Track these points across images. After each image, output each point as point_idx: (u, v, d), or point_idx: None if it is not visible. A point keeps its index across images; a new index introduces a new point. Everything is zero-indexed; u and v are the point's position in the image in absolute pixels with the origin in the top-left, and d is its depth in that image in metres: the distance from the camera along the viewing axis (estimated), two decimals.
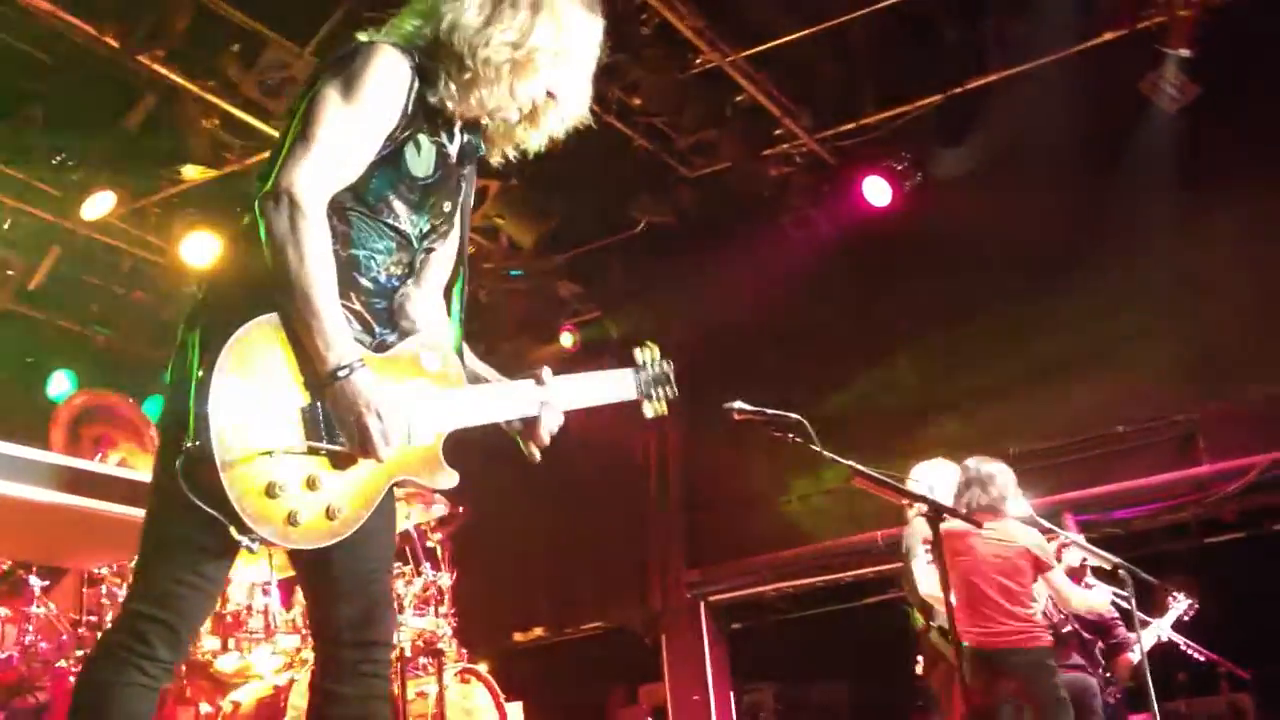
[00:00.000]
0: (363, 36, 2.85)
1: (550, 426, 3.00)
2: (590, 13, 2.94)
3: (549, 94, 2.91)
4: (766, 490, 9.64)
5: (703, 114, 8.04)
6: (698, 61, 7.63)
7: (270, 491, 2.53)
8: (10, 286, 7.43)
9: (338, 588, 2.81)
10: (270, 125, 7.24)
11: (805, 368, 9.22)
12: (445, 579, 6.68)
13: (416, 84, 2.80)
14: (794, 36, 7.56)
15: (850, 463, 4.16)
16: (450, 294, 3.08)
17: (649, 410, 3.22)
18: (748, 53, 7.65)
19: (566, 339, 9.73)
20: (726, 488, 9.94)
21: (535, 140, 3.01)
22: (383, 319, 2.83)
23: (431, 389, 2.83)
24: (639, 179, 8.54)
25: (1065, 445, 8.48)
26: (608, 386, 3.16)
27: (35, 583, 5.80)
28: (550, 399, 3.00)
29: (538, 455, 3.01)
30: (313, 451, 2.60)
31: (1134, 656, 6.73)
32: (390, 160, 2.78)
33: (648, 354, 3.25)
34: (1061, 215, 8.26)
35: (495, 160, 3.07)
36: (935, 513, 4.29)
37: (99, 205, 7.30)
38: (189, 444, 2.49)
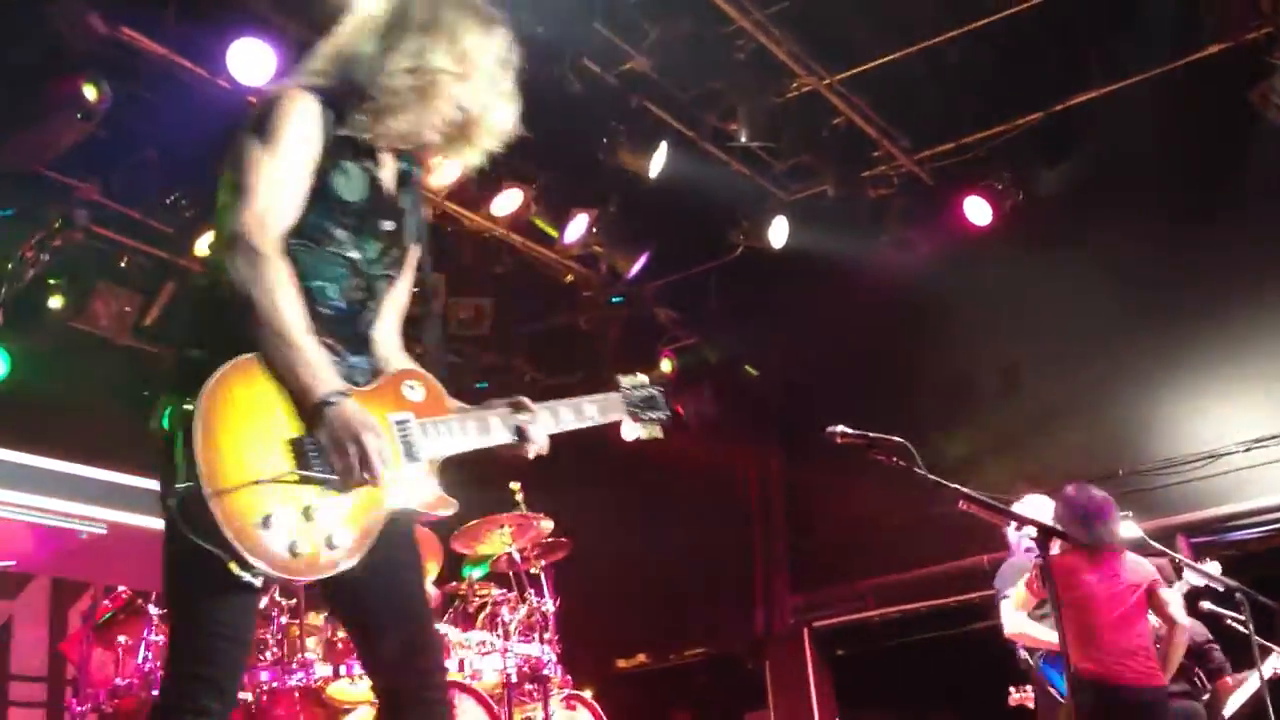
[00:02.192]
0: (302, 80, 2.92)
1: (532, 452, 3.04)
2: (486, 26, 2.99)
3: (467, 110, 2.97)
4: (870, 514, 9.53)
5: (799, 138, 8.04)
6: (794, 86, 7.63)
7: (265, 523, 2.57)
8: (127, 322, 7.66)
9: (379, 622, 2.87)
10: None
11: (905, 391, 9.12)
12: (549, 605, 6.72)
13: (330, 117, 2.85)
14: (891, 58, 7.53)
15: (956, 486, 4.11)
16: (426, 321, 3.17)
17: (641, 433, 3.30)
18: (844, 75, 7.64)
19: (665, 365, 9.75)
20: (829, 512, 9.85)
21: (475, 158, 3.06)
22: (350, 344, 2.88)
23: (417, 419, 2.88)
24: (736, 204, 8.53)
25: (1177, 465, 8.27)
26: (592, 411, 3.21)
27: (154, 611, 5.97)
28: (531, 426, 3.03)
29: (530, 457, 3.06)
30: (304, 481, 2.64)
31: (1236, 681, 6.52)
32: (320, 191, 2.84)
33: (633, 379, 3.33)
34: (1165, 231, 8.09)
35: (435, 182, 3.14)
36: (1045, 536, 4.21)
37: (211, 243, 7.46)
38: (179, 485, 2.54)
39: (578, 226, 8.19)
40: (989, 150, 8.32)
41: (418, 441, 2.86)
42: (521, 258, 8.83)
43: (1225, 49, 7.28)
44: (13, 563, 3.73)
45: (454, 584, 6.96)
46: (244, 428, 2.61)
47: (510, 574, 6.91)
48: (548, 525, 6.88)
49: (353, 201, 2.90)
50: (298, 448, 2.65)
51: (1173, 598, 5.73)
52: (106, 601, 6.26)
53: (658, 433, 3.32)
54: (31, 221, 6.39)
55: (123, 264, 7.37)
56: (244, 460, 2.58)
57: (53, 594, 7.96)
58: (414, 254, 3.10)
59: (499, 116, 3.02)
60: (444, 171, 3.13)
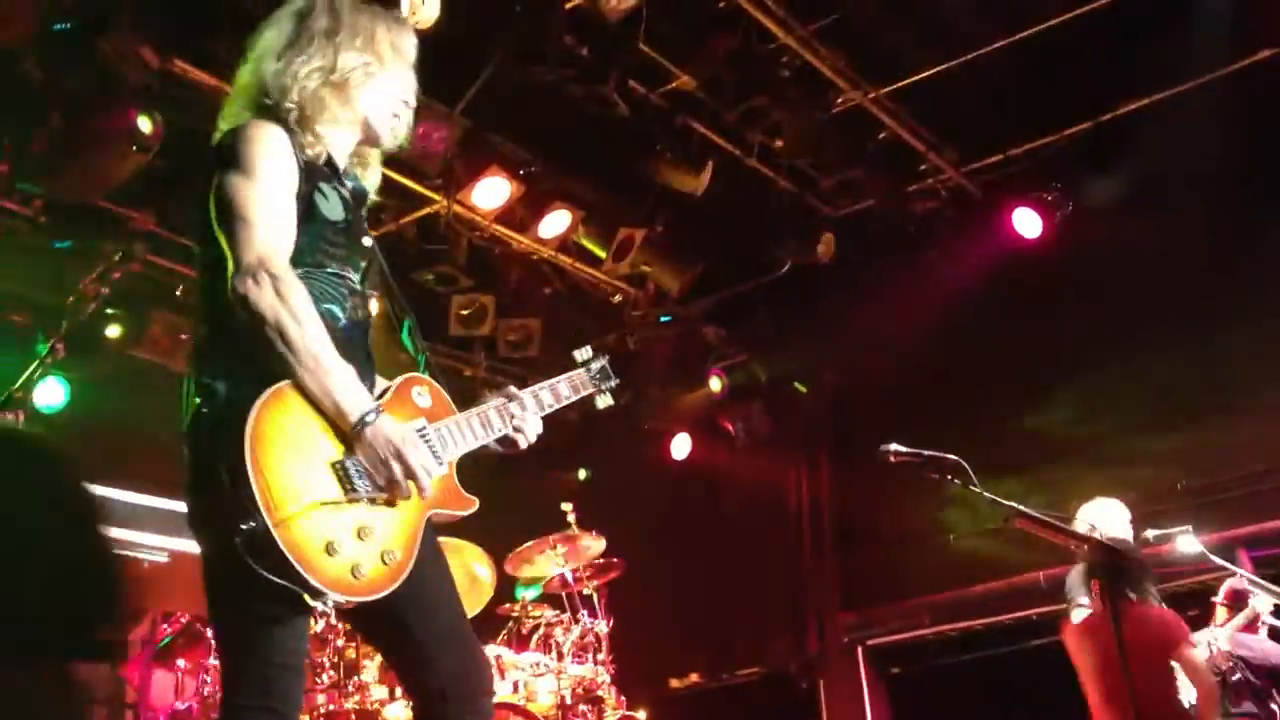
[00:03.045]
0: (223, 125, 2.95)
1: (530, 437, 3.15)
2: (389, 17, 3.05)
3: (404, 102, 3.05)
4: (923, 530, 9.46)
5: (845, 153, 8.03)
6: (839, 101, 7.61)
7: (329, 550, 2.59)
8: (184, 349, 7.78)
9: (424, 649, 2.86)
10: (423, 186, 7.45)
11: (956, 406, 9.04)
12: (602, 626, 6.71)
13: (291, 142, 2.88)
14: (935, 70, 7.50)
15: (1011, 504, 4.07)
16: (401, 333, 3.22)
17: (601, 402, 3.46)
18: (888, 89, 7.61)
19: (715, 383, 9.74)
20: (881, 528, 9.78)
21: (388, 146, 3.11)
22: (362, 367, 2.88)
23: (432, 424, 2.93)
24: (782, 221, 8.52)
25: (1235, 479, 8.13)
26: (567, 387, 3.35)
27: (212, 635, 6.01)
28: (526, 411, 3.13)
29: (522, 446, 3.15)
30: (353, 502, 2.67)
31: None
32: (307, 215, 2.86)
33: (585, 352, 3.48)
34: (1219, 241, 7.97)
35: (371, 183, 3.15)
36: (1102, 555, 4.15)
37: None
38: (244, 525, 2.52)
39: (625, 246, 8.21)
40: (1037, 161, 8.24)
41: (437, 445, 2.90)
42: (570, 279, 8.86)
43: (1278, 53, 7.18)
44: None
45: (507, 606, 6.98)
46: (289, 457, 2.63)
47: (563, 595, 6.91)
48: (599, 545, 6.89)
49: (336, 221, 2.92)
50: (341, 470, 2.68)
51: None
52: (165, 626, 6.33)
53: (610, 400, 3.49)
54: (89, 254, 6.49)
55: (177, 292, 7.47)
56: (296, 490, 2.60)
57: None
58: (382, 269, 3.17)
59: (408, 107, 3.08)
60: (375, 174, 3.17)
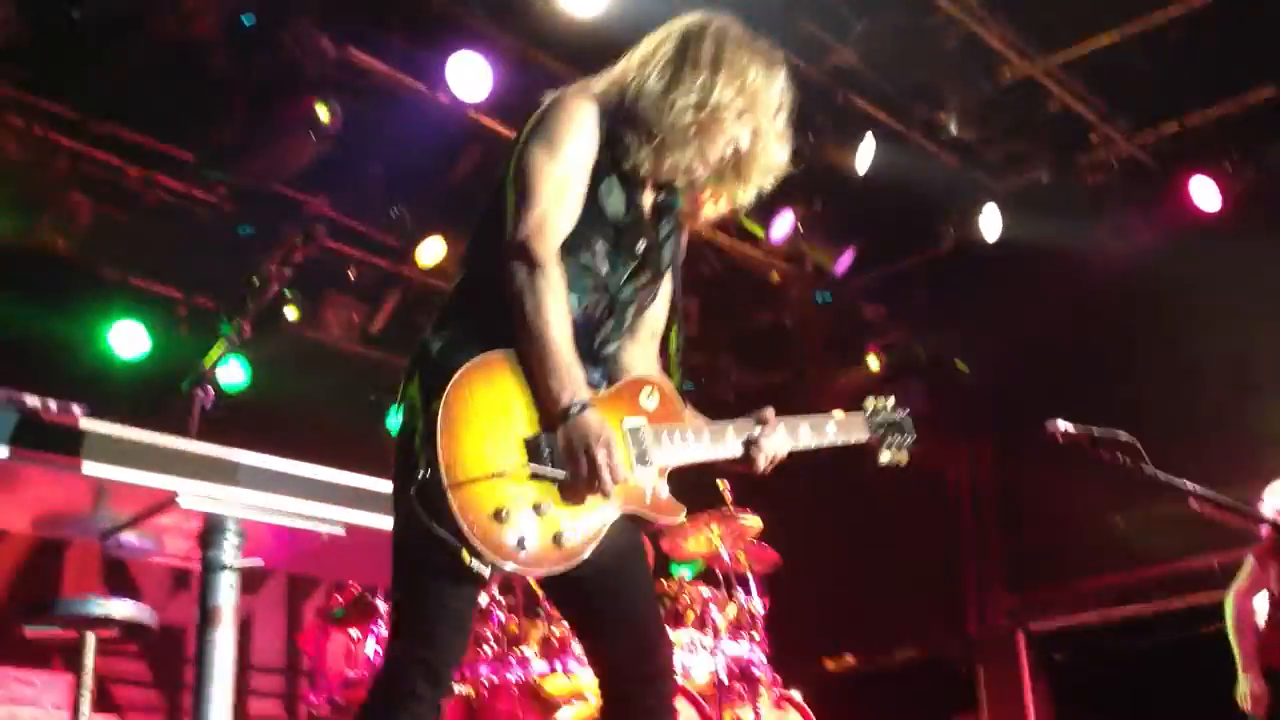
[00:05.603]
0: (551, 94, 2.95)
1: (760, 468, 3.03)
2: (770, 65, 2.96)
3: (743, 146, 2.94)
4: (1090, 511, 9.18)
5: (1012, 125, 7.84)
6: (1006, 72, 7.43)
7: (498, 516, 2.63)
8: (355, 330, 8.04)
9: (608, 626, 2.91)
10: None
11: (1125, 386, 8.76)
12: (758, 605, 6.71)
13: (606, 132, 2.88)
14: (1109, 39, 7.26)
15: (1188, 484, 3.93)
16: (666, 346, 3.17)
17: (884, 458, 3.27)
18: (1059, 59, 7.40)
19: (873, 362, 9.62)
20: (1046, 508, 9.53)
21: (743, 196, 3.05)
22: (584, 357, 2.85)
23: (652, 425, 2.91)
24: (946, 196, 8.36)
25: None
26: (833, 430, 3.19)
27: (382, 606, 6.21)
28: (764, 439, 3.02)
29: (760, 467, 3.03)
30: (536, 478, 2.69)
31: None
32: (586, 201, 2.87)
33: (880, 401, 3.31)
34: None
35: (705, 217, 3.11)
36: None
37: (431, 251, 7.82)
38: (421, 473, 2.61)
39: (784, 224, 8.15)
40: (1216, 129, 7.92)
41: (650, 448, 2.89)
42: (727, 257, 8.85)
43: None
44: (260, 562, 3.92)
45: (663, 583, 7.03)
46: (484, 423, 2.69)
47: (718, 573, 6.93)
48: (756, 524, 6.88)
49: (613, 216, 2.93)
50: (533, 446, 2.71)
51: None
52: (338, 596, 6.55)
53: (903, 458, 3.29)
54: (270, 238, 6.75)
55: (350, 274, 7.71)
56: (482, 454, 2.66)
57: (289, 588, 8.41)
58: (667, 282, 3.12)
59: (774, 154, 3.01)
60: (713, 207, 3.11)
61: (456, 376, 2.68)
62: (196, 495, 3.57)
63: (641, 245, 3.00)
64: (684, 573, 7.15)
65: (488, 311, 2.78)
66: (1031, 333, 9.04)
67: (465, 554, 2.61)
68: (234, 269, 6.80)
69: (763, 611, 6.70)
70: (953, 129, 7.59)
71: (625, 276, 2.99)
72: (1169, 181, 8.17)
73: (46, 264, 7.04)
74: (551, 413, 2.71)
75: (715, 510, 6.76)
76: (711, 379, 9.17)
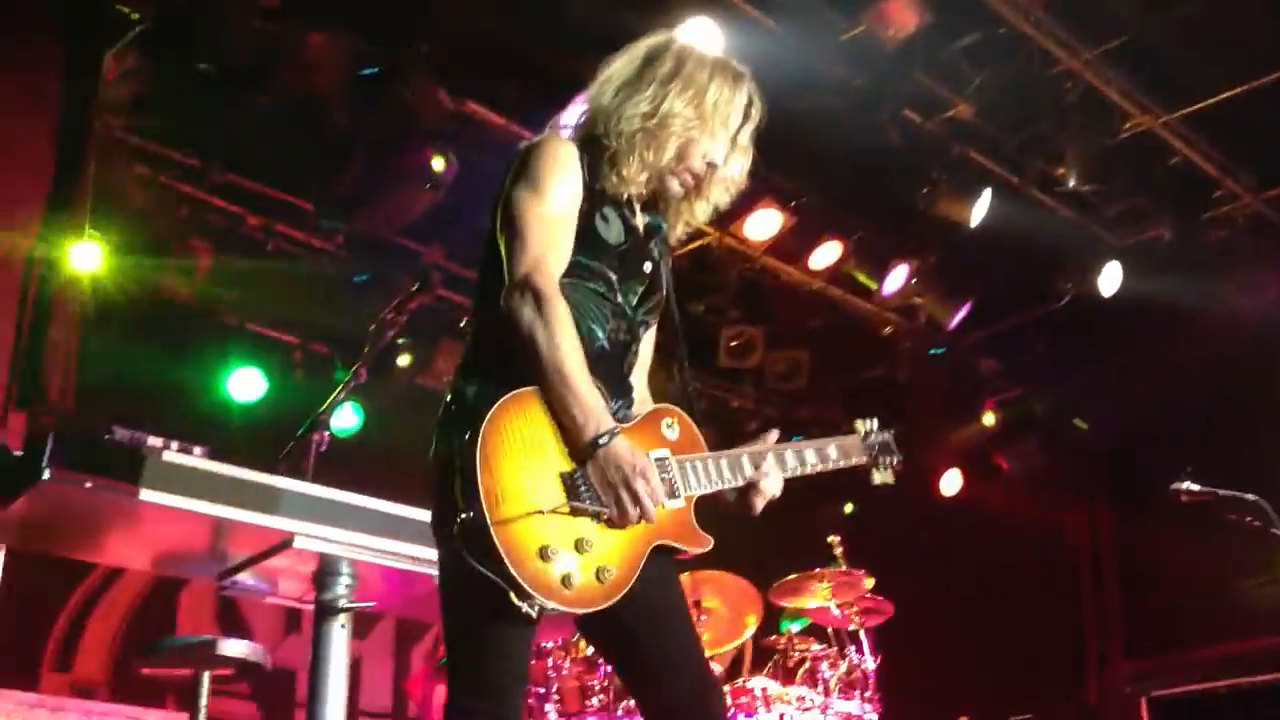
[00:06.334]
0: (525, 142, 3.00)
1: (771, 492, 3.00)
2: (729, 79, 2.99)
3: (707, 163, 2.98)
4: (1216, 575, 8.89)
5: (1132, 180, 7.69)
6: (1127, 126, 7.31)
7: (544, 554, 2.59)
8: None
9: (658, 666, 2.84)
10: None
11: (1251, 448, 8.47)
12: (870, 663, 6.60)
13: (586, 165, 2.91)
14: (1232, 93, 7.10)
15: None
16: (675, 369, 3.18)
17: (877, 477, 3.29)
18: (1181, 113, 7.26)
19: (989, 418, 9.45)
20: (1168, 571, 9.28)
21: (701, 212, 3.09)
22: (612, 386, 2.87)
23: (676, 457, 2.89)
24: (1063, 251, 8.22)
25: None
26: (836, 451, 3.19)
27: None
28: (773, 466, 3.01)
29: (758, 509, 3.01)
30: (576, 513, 2.66)
31: None
32: (584, 232, 2.88)
33: (868, 424, 3.32)
34: None
35: (676, 236, 3.14)
36: None
37: None
38: (462, 515, 2.58)
39: (897, 277, 8.09)
40: None
41: (678, 479, 2.88)
42: (839, 310, 8.80)
43: None
44: (373, 604, 3.97)
45: (773, 638, 6.94)
46: (520, 459, 2.67)
47: (829, 630, 6.84)
48: (867, 581, 6.77)
49: (614, 244, 2.94)
50: (569, 482, 2.69)
51: None
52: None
53: (891, 479, 3.31)
54: (384, 286, 6.88)
55: (461, 324, 7.81)
56: (522, 491, 2.63)
57: (397, 633, 8.48)
58: (669, 306, 3.14)
59: (732, 169, 3.06)
60: (686, 228, 3.17)
61: (490, 415, 2.66)
62: (312, 537, 3.62)
63: (648, 266, 3.02)
64: (794, 628, 7.06)
65: (508, 355, 2.77)
66: (1154, 391, 8.83)
67: (513, 595, 2.57)
68: (350, 316, 6.94)
69: (874, 669, 6.59)
70: (1070, 183, 7.46)
71: (637, 300, 3.00)
72: None
73: (169, 309, 7.24)
74: (579, 445, 2.69)
75: (826, 566, 6.68)
76: (822, 431, 9.09)
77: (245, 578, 3.87)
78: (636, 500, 2.69)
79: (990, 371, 9.59)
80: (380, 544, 3.74)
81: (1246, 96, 7.13)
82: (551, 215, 2.85)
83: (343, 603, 3.80)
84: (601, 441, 2.68)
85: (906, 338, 9.08)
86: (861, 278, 8.23)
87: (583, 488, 2.69)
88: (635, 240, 3.00)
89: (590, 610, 2.70)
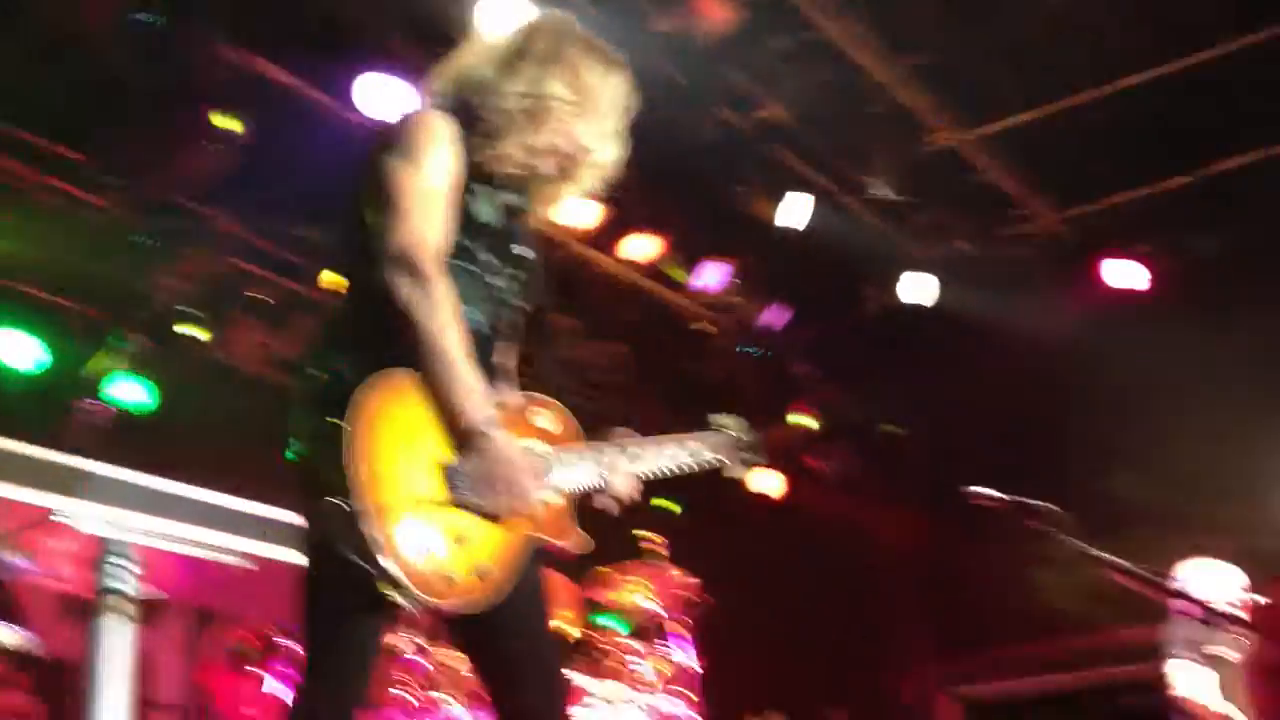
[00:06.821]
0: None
1: (627, 490, 2.99)
2: (607, 65, 3.00)
3: (578, 145, 2.97)
4: (1021, 578, 9.23)
5: (938, 193, 7.90)
6: (932, 140, 7.50)
7: (420, 548, 2.52)
8: (262, 353, 7.71)
9: (519, 669, 2.83)
10: None
11: (1053, 458, 8.83)
12: (682, 658, 6.64)
13: (462, 141, 2.86)
14: (1035, 115, 7.35)
15: (1109, 557, 3.94)
16: (542, 354, 3.15)
17: (734, 474, 3.30)
18: (985, 131, 7.49)
19: (802, 419, 9.61)
20: (975, 577, 9.57)
21: (569, 195, 3.08)
22: (485, 371, 2.80)
23: (547, 447, 2.84)
24: (872, 259, 8.39)
25: None
26: (699, 448, 3.19)
27: (286, 644, 6.07)
28: (629, 464, 2.99)
29: (616, 509, 3.00)
30: (453, 506, 2.59)
31: None
32: (461, 211, 2.83)
33: (728, 420, 3.31)
34: None
35: (540, 217, 3.11)
36: (1204, 616, 4.02)
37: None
38: (331, 500, 2.50)
39: (709, 273, 8.16)
40: (1139, 212, 8.07)
41: (556, 473, 2.83)
42: (655, 305, 8.79)
43: None
44: (165, 595, 3.80)
45: (587, 631, 6.93)
46: (395, 446, 2.57)
47: (645, 625, 6.85)
48: (684, 577, 6.83)
49: (487, 224, 2.89)
50: (450, 474, 2.61)
51: None
52: (243, 633, 6.41)
53: (743, 473, 3.34)
54: (169, 251, 6.54)
55: (255, 295, 7.48)
56: (396, 479, 2.54)
57: (190, 624, 8.18)
58: (530, 285, 3.10)
59: (605, 154, 3.03)
60: (556, 210, 3.12)
61: (363, 395, 2.57)
62: (79, 514, 3.43)
63: (515, 248, 2.98)
64: (607, 622, 7.04)
65: (380, 331, 2.66)
66: (962, 401, 9.10)
67: (381, 584, 2.49)
68: (128, 281, 6.56)
69: (687, 665, 6.63)
70: (878, 191, 7.63)
71: (507, 283, 2.95)
72: (1090, 260, 8.31)
73: None
74: (459, 431, 2.60)
75: (646, 563, 6.70)
76: (635, 429, 9.10)
77: (9, 556, 3.67)
78: (519, 494, 2.62)
79: (805, 375, 9.74)
80: (164, 527, 3.57)
81: (1049, 119, 7.39)
82: (430, 189, 2.75)
83: (123, 588, 3.62)
84: (484, 430, 2.60)
85: (721, 335, 9.14)
86: (676, 273, 8.26)
87: (460, 479, 2.60)
88: (504, 220, 2.94)
89: (470, 609, 2.62)
